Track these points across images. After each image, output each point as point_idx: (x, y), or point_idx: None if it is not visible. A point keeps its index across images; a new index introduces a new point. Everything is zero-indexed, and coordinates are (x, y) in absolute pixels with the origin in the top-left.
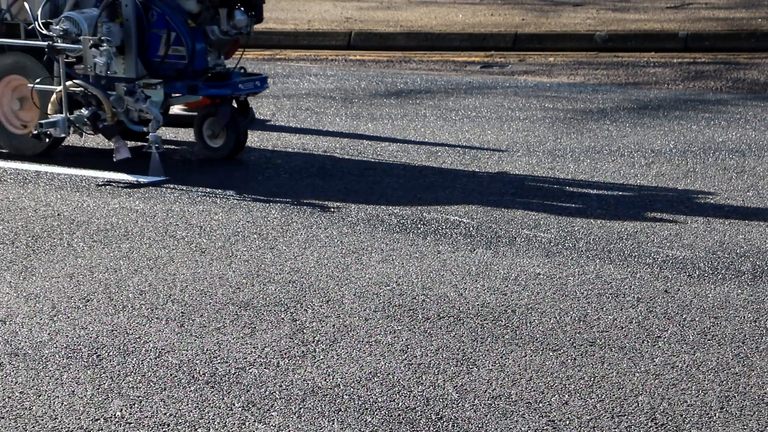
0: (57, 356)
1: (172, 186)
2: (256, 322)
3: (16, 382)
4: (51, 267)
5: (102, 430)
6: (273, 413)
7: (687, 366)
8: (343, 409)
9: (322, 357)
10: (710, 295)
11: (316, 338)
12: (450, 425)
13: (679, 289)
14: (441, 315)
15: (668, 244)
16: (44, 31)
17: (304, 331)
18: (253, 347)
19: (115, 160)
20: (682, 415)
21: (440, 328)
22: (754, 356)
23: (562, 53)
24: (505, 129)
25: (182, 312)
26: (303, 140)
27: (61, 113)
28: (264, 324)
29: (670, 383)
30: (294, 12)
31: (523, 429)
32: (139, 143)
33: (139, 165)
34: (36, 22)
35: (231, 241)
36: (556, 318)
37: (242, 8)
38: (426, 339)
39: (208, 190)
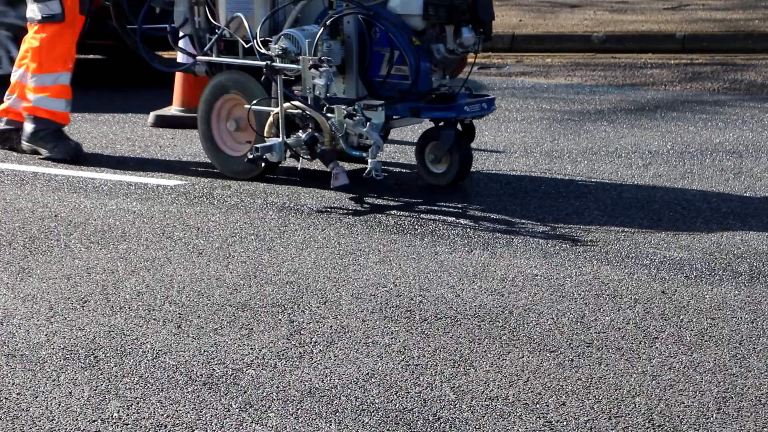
0: (54, 357)
1: (170, 187)
2: (253, 323)
3: (14, 384)
4: (48, 268)
5: (99, 431)
6: (270, 414)
7: (684, 367)
8: (340, 410)
9: (319, 358)
10: (707, 297)
11: (314, 339)
12: (447, 426)
13: (676, 291)
14: (438, 316)
15: (665, 246)
16: (263, 50)
17: (302, 332)
18: (251, 348)
19: (332, 187)
20: (679, 416)
21: (437, 329)
22: (751, 357)
23: (559, 54)
24: (502, 130)
25: (179, 313)
26: None
27: (278, 136)
28: (261, 325)
29: (668, 384)
30: None
31: (520, 430)
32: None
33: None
34: (254, 40)
35: (228, 242)
36: (553, 319)
37: (470, 25)
38: (423, 340)
39: (206, 191)
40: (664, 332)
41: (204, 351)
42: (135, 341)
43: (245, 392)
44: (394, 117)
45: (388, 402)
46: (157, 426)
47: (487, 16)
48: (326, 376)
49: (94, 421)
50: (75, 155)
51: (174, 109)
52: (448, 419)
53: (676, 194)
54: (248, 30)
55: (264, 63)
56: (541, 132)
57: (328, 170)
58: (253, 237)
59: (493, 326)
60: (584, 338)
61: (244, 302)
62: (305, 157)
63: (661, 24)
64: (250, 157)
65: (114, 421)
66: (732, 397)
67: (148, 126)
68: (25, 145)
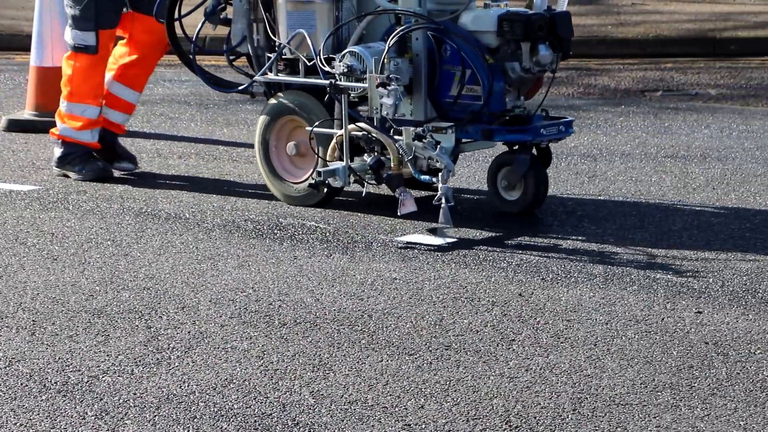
0: None
1: (24, 192)
2: (109, 329)
3: None
4: None
5: None
6: (127, 421)
7: (540, 368)
8: (198, 417)
9: (177, 364)
10: (563, 299)
11: (171, 345)
12: (306, 430)
13: (533, 293)
14: (297, 320)
15: (522, 249)
16: (326, 68)
17: (159, 338)
18: (107, 355)
19: (400, 214)
20: (535, 417)
21: (297, 333)
22: (605, 358)
23: None
24: None
25: (33, 320)
26: (157, 146)
27: (342, 160)
28: (118, 331)
29: (524, 386)
30: None
31: None
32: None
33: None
34: (317, 58)
35: (84, 248)
36: (412, 322)
37: (547, 42)
38: (282, 345)
39: (61, 196)
40: (521, 334)
41: (59, 358)
42: None
43: (101, 399)
44: (465, 140)
45: (246, 407)
46: None
47: (566, 33)
48: (184, 382)
49: None
50: (103, 176)
51: (27, 113)
52: (307, 423)
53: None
54: (311, 47)
55: (328, 82)
56: None
57: (396, 196)
58: (109, 242)
59: (353, 330)
60: (443, 341)
61: (100, 308)
62: (370, 182)
63: None
64: (312, 182)
65: None
66: (587, 398)
67: (0, 130)
68: (55, 169)
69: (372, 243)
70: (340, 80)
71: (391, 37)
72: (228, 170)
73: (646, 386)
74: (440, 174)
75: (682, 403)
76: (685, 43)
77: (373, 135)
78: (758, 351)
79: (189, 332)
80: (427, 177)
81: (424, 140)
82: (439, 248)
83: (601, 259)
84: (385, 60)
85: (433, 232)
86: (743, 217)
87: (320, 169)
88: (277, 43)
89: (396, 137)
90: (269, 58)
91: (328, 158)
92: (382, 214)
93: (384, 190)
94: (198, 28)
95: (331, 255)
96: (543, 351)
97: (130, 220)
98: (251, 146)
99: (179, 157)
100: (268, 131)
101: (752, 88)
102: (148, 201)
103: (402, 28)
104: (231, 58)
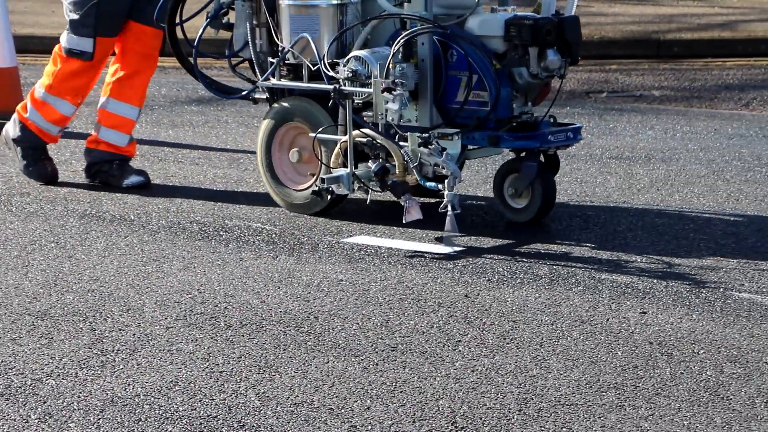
0: None
1: None
2: (53, 332)
3: None
4: None
5: None
6: (71, 424)
7: (486, 369)
8: (143, 419)
9: (121, 366)
10: (509, 300)
11: (116, 348)
12: None
13: (479, 294)
14: (243, 322)
15: (468, 250)
16: (330, 73)
17: (104, 340)
18: (51, 358)
19: (405, 222)
20: (481, 418)
21: (242, 335)
22: (551, 359)
23: None
24: None
25: None
26: None
27: (346, 167)
28: (62, 334)
29: (470, 387)
30: None
31: None
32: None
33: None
34: (322, 63)
35: (27, 250)
36: (358, 324)
37: (555, 47)
38: (228, 347)
39: (3, 198)
40: (467, 335)
41: (2, 361)
42: None
43: (45, 403)
44: (471, 147)
45: (192, 410)
46: None
47: (575, 37)
48: (129, 385)
49: None
50: (47, 180)
51: None
52: (253, 425)
53: (476, 199)
54: (315, 52)
55: (332, 87)
56: None
57: (401, 204)
58: (53, 244)
59: (299, 332)
60: (389, 342)
61: (43, 311)
62: (375, 189)
63: None
64: (316, 189)
65: None
66: (532, 398)
67: None
68: (9, 143)
69: (318, 244)
70: (345, 85)
71: (397, 41)
72: (173, 172)
73: (591, 386)
74: (446, 181)
75: (627, 403)
76: (629, 45)
77: (378, 141)
78: (702, 351)
79: (134, 334)
80: (432, 184)
81: (429, 147)
82: (388, 250)
83: (547, 260)
84: (391, 65)
85: (439, 240)
86: (687, 217)
87: (324, 176)
88: (280, 48)
89: (401, 143)
90: (272, 62)
91: (332, 165)
92: (328, 216)
93: (388, 196)
94: (200, 33)
95: (277, 256)
96: (489, 352)
97: (74, 222)
98: (197, 148)
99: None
100: (270, 137)
101: (695, 89)
102: (92, 203)
103: (407, 32)
104: (233, 62)
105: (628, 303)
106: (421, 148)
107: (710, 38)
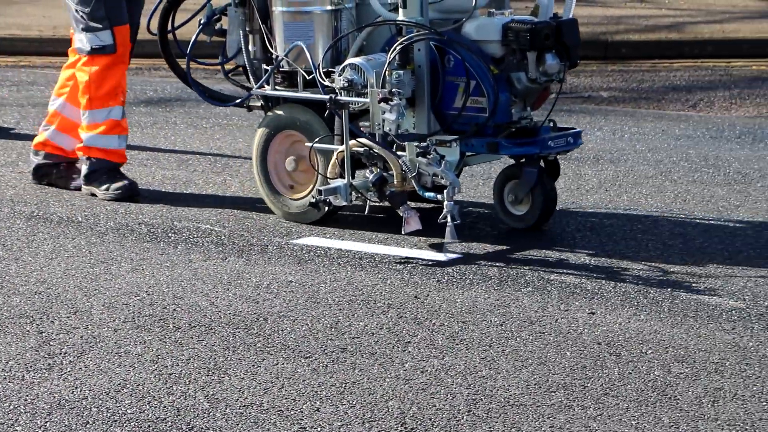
0: None
1: None
2: None
3: None
4: None
5: None
6: (17, 428)
7: (436, 370)
8: (90, 422)
9: (69, 369)
10: (459, 300)
11: (64, 350)
12: None
13: (428, 295)
14: (192, 324)
15: (418, 250)
16: (326, 82)
17: (51, 343)
18: None
19: (404, 232)
20: (431, 419)
21: (191, 337)
22: (500, 359)
23: None
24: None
25: None
26: None
27: (343, 177)
28: (8, 337)
29: (420, 388)
30: (39, 18)
31: None
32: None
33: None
34: (317, 71)
35: None
36: (308, 325)
37: (554, 51)
38: (177, 349)
39: None
40: (416, 336)
41: None
42: None
43: None
44: (470, 153)
45: (140, 412)
46: None
47: (573, 41)
48: (76, 388)
49: None
50: (130, 194)
51: None
52: (202, 428)
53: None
54: (309, 60)
55: (328, 96)
56: None
57: (399, 214)
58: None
59: (248, 333)
60: (338, 344)
61: None
62: (373, 199)
63: None
64: (312, 200)
65: None
66: (482, 399)
67: None
68: (84, 188)
69: (268, 246)
70: (341, 95)
71: (393, 48)
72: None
73: (540, 387)
74: (445, 191)
75: (576, 403)
76: None
77: (375, 151)
78: (649, 351)
79: (81, 337)
80: (431, 194)
81: (428, 156)
82: (338, 252)
83: (496, 262)
84: (387, 72)
85: (438, 248)
86: (635, 218)
87: (321, 187)
88: (274, 56)
89: (399, 153)
90: (266, 70)
91: (328, 174)
92: (277, 217)
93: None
94: (192, 40)
95: (226, 258)
96: (438, 353)
97: (21, 224)
98: (144, 149)
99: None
100: (266, 145)
101: (643, 90)
102: (39, 204)
103: (404, 38)
104: (227, 69)
105: (576, 304)
106: (420, 158)
107: (657, 40)
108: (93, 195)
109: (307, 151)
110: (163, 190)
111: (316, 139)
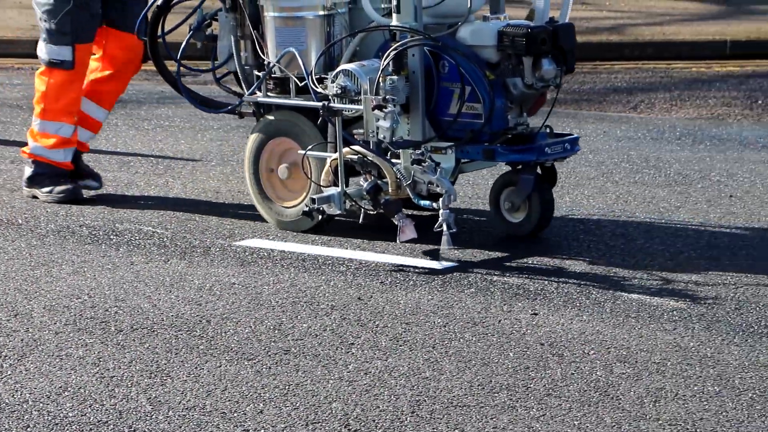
0: None
1: None
2: None
3: None
4: None
5: None
6: None
7: (380, 372)
8: (31, 426)
9: (9, 372)
10: (402, 302)
11: (4, 353)
12: None
13: (372, 296)
14: (134, 327)
15: (360, 251)
16: (318, 89)
17: None
18: None
19: (399, 242)
20: (374, 421)
21: (134, 340)
22: (443, 360)
23: None
24: (198, 138)
25: None
26: None
27: (336, 185)
28: None
29: (364, 389)
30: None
31: None
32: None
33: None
34: (309, 78)
35: None
36: (251, 327)
37: (550, 56)
38: (119, 351)
39: None
40: (360, 338)
41: None
42: None
43: None
44: (465, 160)
45: (82, 415)
46: None
47: (570, 44)
48: (17, 391)
49: None
50: (73, 198)
51: None
52: (144, 431)
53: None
54: (302, 66)
55: (321, 103)
56: (238, 140)
57: (395, 223)
58: None
59: (191, 336)
60: (282, 346)
61: None
62: (367, 208)
63: None
64: (306, 209)
65: None
66: (425, 400)
67: None
68: (24, 190)
69: (210, 248)
70: (334, 101)
71: (386, 54)
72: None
73: (484, 388)
74: (441, 199)
75: (519, 404)
76: None
77: (369, 158)
78: (592, 351)
79: (22, 340)
80: (427, 202)
81: (423, 164)
82: (281, 253)
83: (439, 262)
84: (381, 78)
85: (434, 256)
86: (577, 219)
87: (314, 196)
88: (265, 62)
89: (393, 160)
90: (258, 76)
91: (322, 182)
92: (221, 217)
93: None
94: (183, 46)
95: (168, 260)
96: (382, 354)
97: None
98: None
99: (11, 162)
100: (258, 152)
101: (585, 92)
102: None
103: (398, 44)
104: (217, 75)
105: (519, 304)
106: (415, 166)
107: (599, 41)
108: (34, 197)
109: (299, 158)
110: (105, 192)
111: (309, 147)
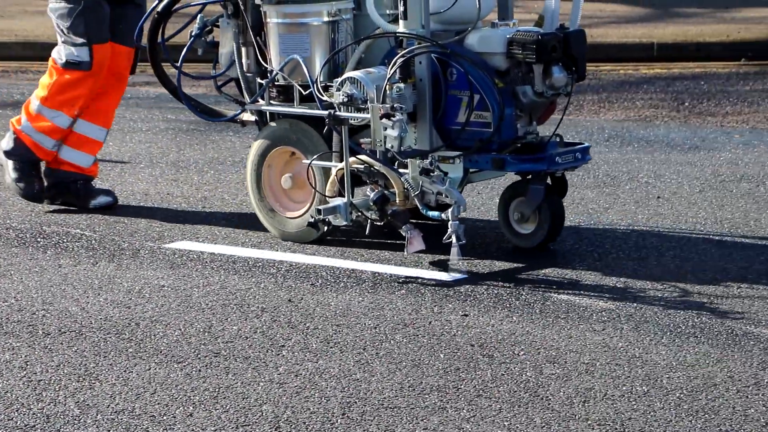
0: None
1: None
2: None
3: None
4: None
5: None
6: None
7: (310, 374)
8: None
9: None
10: (333, 304)
11: None
12: None
13: (302, 298)
14: (62, 330)
15: (291, 254)
16: (324, 97)
17: None
18: None
19: (406, 254)
20: (305, 423)
21: (61, 343)
22: (374, 362)
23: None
24: (127, 140)
25: None
26: None
27: (342, 196)
28: None
29: (294, 391)
30: None
31: None
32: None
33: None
34: (314, 86)
35: None
36: (180, 330)
37: (560, 63)
38: (46, 355)
39: None
40: (290, 340)
41: None
42: None
43: None
44: (473, 170)
45: (8, 419)
46: None
47: (580, 52)
48: None
49: None
50: (32, 199)
51: None
52: None
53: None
54: (306, 74)
55: (326, 113)
56: (167, 142)
57: (402, 234)
58: None
59: (120, 339)
60: (212, 348)
61: None
62: (374, 219)
63: None
64: (311, 220)
65: None
66: (356, 402)
67: None
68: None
69: (139, 250)
70: (340, 110)
71: (393, 61)
72: None
73: (414, 389)
74: (450, 210)
75: (449, 405)
76: None
77: (376, 168)
78: (522, 352)
79: None
80: (435, 213)
81: (431, 174)
82: (210, 256)
83: (370, 264)
84: (387, 86)
85: (444, 267)
86: None
87: (320, 207)
88: (268, 69)
89: (401, 170)
90: (260, 84)
91: (327, 192)
92: (150, 219)
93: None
94: (183, 53)
95: (97, 263)
96: (313, 356)
97: None
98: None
99: None
100: (260, 161)
101: None
102: None
103: (405, 51)
104: (219, 83)
105: (450, 306)
106: (423, 176)
107: None
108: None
109: (304, 167)
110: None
111: (314, 157)
